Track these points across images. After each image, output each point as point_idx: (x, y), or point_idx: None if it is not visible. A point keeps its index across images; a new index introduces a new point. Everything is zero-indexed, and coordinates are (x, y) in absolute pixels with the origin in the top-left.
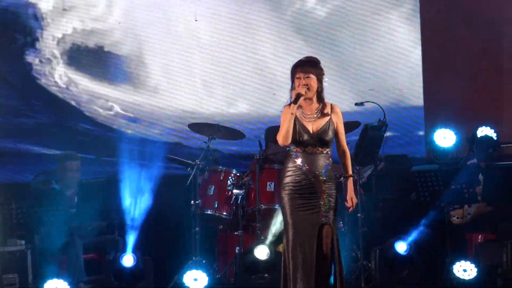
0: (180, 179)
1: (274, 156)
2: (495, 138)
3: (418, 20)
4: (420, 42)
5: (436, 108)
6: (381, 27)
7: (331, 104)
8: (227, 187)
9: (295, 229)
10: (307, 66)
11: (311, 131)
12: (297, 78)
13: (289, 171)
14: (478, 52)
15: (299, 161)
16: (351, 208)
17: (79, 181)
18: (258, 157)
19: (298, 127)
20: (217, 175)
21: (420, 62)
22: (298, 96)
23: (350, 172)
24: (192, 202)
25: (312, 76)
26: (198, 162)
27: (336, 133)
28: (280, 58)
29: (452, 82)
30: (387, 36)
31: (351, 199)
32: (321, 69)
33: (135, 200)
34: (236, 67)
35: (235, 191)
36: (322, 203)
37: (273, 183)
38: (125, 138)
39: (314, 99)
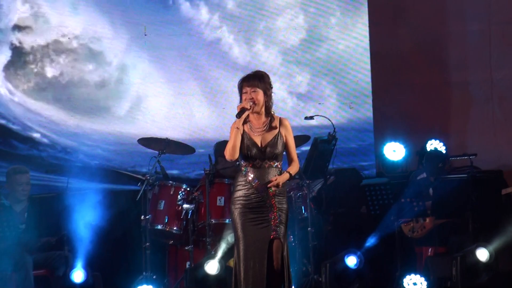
0: (130, 194)
1: (224, 171)
2: (444, 152)
3: (367, 34)
4: (369, 56)
5: (386, 122)
6: (330, 41)
7: (280, 118)
8: (178, 202)
9: (246, 244)
10: (253, 80)
11: (259, 145)
12: (244, 92)
13: (239, 185)
14: (426, 66)
15: (249, 175)
16: (272, 184)
17: (29, 195)
18: (208, 171)
19: (247, 142)
20: (167, 190)
21: (369, 76)
22: (242, 110)
23: (289, 172)
24: (142, 217)
25: (258, 90)
26: (148, 177)
27: (285, 146)
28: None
29: (401, 96)
30: (336, 50)
31: (276, 180)
32: (269, 83)
33: (85, 215)
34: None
35: (185, 206)
36: (272, 217)
37: (223, 198)
38: (75, 155)
39: (262, 113)
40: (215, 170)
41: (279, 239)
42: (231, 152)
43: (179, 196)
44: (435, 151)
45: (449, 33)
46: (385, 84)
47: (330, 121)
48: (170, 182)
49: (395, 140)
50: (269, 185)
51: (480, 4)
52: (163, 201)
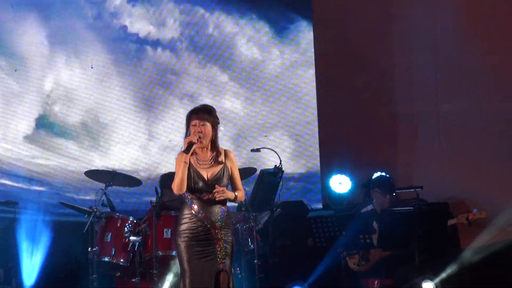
0: (77, 226)
1: (170, 203)
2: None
3: (313, 68)
4: (315, 90)
5: (332, 154)
6: (277, 73)
7: (225, 150)
8: (124, 234)
9: (192, 277)
10: (202, 114)
11: (206, 178)
12: (193, 125)
13: (185, 218)
14: (373, 98)
15: (195, 208)
16: (216, 190)
17: None
18: (154, 204)
19: (193, 175)
20: (114, 222)
21: (315, 108)
22: (191, 144)
23: (235, 194)
24: (89, 249)
25: (207, 124)
26: (95, 209)
27: (231, 178)
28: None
29: (348, 128)
30: (282, 83)
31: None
32: (216, 117)
33: (32, 248)
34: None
35: (132, 238)
36: (218, 249)
37: (169, 230)
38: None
39: (209, 146)
40: (162, 202)
41: (226, 271)
42: (179, 186)
43: (125, 228)
44: (384, 175)
45: (395, 65)
46: (331, 116)
47: (277, 153)
48: (117, 214)
49: (341, 173)
50: (214, 191)
51: (427, 36)
52: (110, 233)
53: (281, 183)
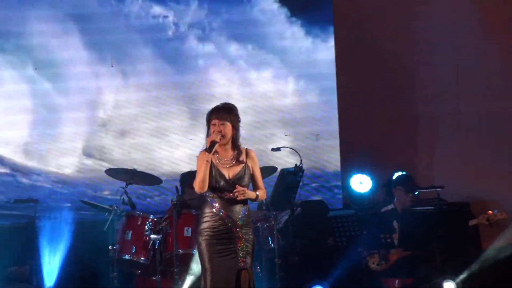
0: (97, 225)
1: (191, 201)
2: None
3: (333, 66)
4: (335, 89)
5: (353, 154)
6: (298, 72)
7: (246, 149)
8: (145, 232)
9: (213, 275)
10: (222, 113)
11: (227, 177)
12: (213, 124)
13: (206, 216)
14: (393, 98)
15: (216, 206)
16: (237, 190)
17: None
18: (175, 202)
19: (215, 173)
20: (134, 220)
21: (336, 108)
22: (213, 143)
23: (256, 193)
24: (109, 247)
25: (227, 123)
26: (116, 207)
27: (252, 178)
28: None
29: (368, 128)
30: (303, 82)
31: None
32: (237, 116)
33: (53, 246)
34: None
35: (152, 236)
36: (240, 248)
37: (190, 228)
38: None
39: (230, 145)
40: (182, 200)
41: (247, 270)
42: (201, 185)
43: (146, 227)
44: (407, 174)
45: (416, 65)
46: (352, 116)
47: (297, 152)
48: (138, 212)
49: (362, 172)
50: (234, 191)
51: (448, 36)
52: (131, 231)
53: (301, 182)
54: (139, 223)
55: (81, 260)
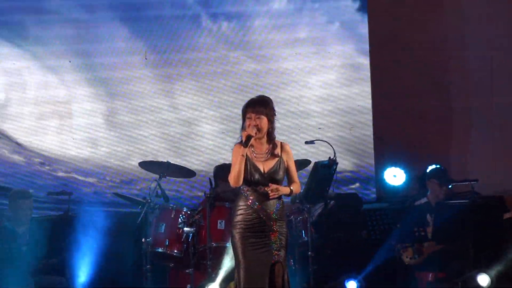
0: (131, 217)
1: (224, 194)
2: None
3: (368, 58)
4: (369, 80)
5: (386, 147)
6: (330, 65)
7: (281, 143)
8: (178, 225)
9: (247, 268)
10: (258, 106)
11: (262, 171)
12: (248, 118)
13: (240, 209)
14: (427, 91)
15: (250, 199)
16: (271, 189)
17: (30, 218)
18: (208, 195)
19: (250, 167)
20: (168, 213)
21: (370, 100)
22: (249, 137)
23: (291, 188)
24: (143, 240)
25: (263, 116)
26: (149, 200)
27: (287, 171)
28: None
29: (402, 121)
30: (336, 74)
31: (276, 188)
32: (273, 109)
33: (87, 238)
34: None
35: (186, 229)
36: (273, 241)
37: (223, 221)
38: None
39: (265, 139)
40: (216, 193)
41: (280, 263)
42: (236, 180)
43: (179, 219)
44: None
45: (450, 58)
46: (386, 109)
47: (331, 145)
48: (171, 205)
49: (395, 165)
50: (268, 189)
51: (481, 29)
52: (164, 224)
53: (335, 175)
54: (172, 216)
55: (114, 253)
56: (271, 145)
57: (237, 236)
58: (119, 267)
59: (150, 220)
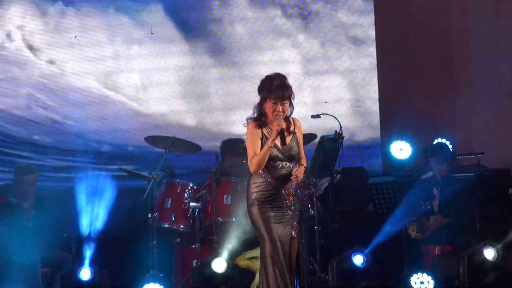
0: (137, 192)
1: (230, 169)
2: (451, 150)
3: (373, 33)
4: (375, 56)
5: (392, 120)
6: (337, 40)
7: (293, 119)
8: (184, 200)
9: (272, 240)
10: (284, 91)
11: (280, 148)
12: (274, 103)
13: (256, 186)
14: (433, 64)
15: (267, 175)
16: (295, 175)
17: (35, 193)
18: (214, 170)
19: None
20: (174, 188)
21: (375, 74)
22: (282, 133)
23: (303, 164)
24: (149, 215)
25: (287, 101)
26: (155, 175)
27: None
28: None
29: (408, 95)
30: (342, 49)
31: (295, 175)
32: (292, 91)
33: (92, 213)
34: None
35: (192, 204)
36: (291, 215)
37: (230, 196)
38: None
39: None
40: (222, 168)
41: (297, 238)
42: (258, 168)
43: (186, 194)
44: (441, 143)
45: (455, 30)
46: (391, 82)
47: (337, 119)
48: (177, 180)
49: (401, 139)
50: (292, 178)
51: None
52: (170, 199)
53: (341, 149)
54: (178, 191)
55: (120, 228)
56: (287, 123)
57: (256, 213)
58: (125, 243)
59: (156, 195)
